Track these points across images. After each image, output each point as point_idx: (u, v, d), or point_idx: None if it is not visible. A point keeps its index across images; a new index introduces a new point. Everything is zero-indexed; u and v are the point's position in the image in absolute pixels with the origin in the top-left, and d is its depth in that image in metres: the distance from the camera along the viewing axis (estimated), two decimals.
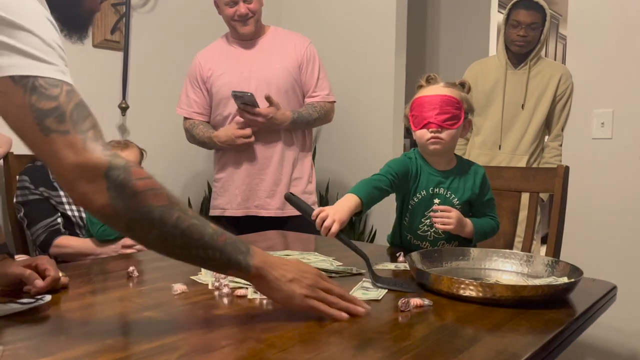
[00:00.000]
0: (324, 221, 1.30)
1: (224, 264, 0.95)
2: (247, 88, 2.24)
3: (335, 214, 1.31)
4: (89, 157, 0.82)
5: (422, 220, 1.59)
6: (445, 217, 1.53)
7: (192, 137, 2.40)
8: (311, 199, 2.40)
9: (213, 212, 2.39)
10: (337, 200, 1.41)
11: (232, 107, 2.29)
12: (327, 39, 3.00)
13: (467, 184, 1.59)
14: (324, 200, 2.98)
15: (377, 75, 2.91)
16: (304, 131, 2.40)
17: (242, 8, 2.23)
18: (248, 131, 2.23)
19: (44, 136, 0.81)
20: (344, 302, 1.02)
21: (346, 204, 1.37)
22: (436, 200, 1.58)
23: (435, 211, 1.55)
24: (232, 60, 2.34)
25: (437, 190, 1.57)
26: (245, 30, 2.29)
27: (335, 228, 1.29)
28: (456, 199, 1.58)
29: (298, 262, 1.06)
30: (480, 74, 2.67)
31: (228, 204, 2.35)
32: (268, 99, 2.16)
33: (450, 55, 4.25)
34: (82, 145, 0.82)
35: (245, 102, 2.14)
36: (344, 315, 1.00)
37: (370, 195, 1.43)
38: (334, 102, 2.43)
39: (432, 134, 1.52)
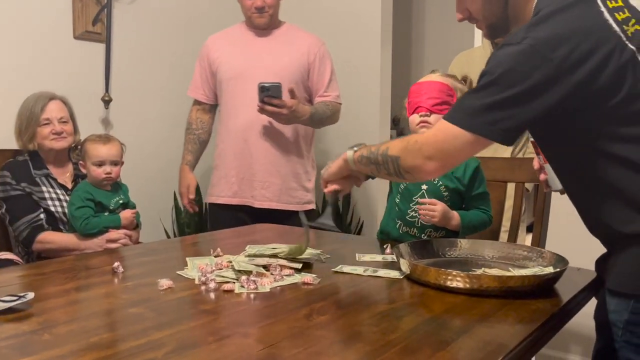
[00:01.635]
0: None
1: None
2: (252, 76, 2.23)
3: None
4: None
5: (411, 205, 1.61)
6: (430, 210, 1.54)
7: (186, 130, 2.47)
8: (307, 197, 2.35)
9: (210, 199, 2.39)
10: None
11: (232, 93, 2.29)
12: (312, 31, 2.98)
13: (455, 174, 1.60)
14: None
15: (363, 67, 2.90)
16: (306, 128, 2.36)
17: (258, 1, 2.27)
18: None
19: None
20: None
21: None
22: (423, 187, 1.59)
23: (422, 203, 1.56)
24: (242, 45, 2.35)
25: None
26: (259, 22, 2.32)
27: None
28: (443, 186, 1.60)
29: None
30: (466, 64, 2.66)
31: (223, 191, 2.34)
32: (292, 91, 2.15)
33: (436, 46, 4.25)
34: None
35: (270, 94, 2.12)
36: None
37: None
38: (341, 104, 2.44)
39: (422, 118, 1.56)
